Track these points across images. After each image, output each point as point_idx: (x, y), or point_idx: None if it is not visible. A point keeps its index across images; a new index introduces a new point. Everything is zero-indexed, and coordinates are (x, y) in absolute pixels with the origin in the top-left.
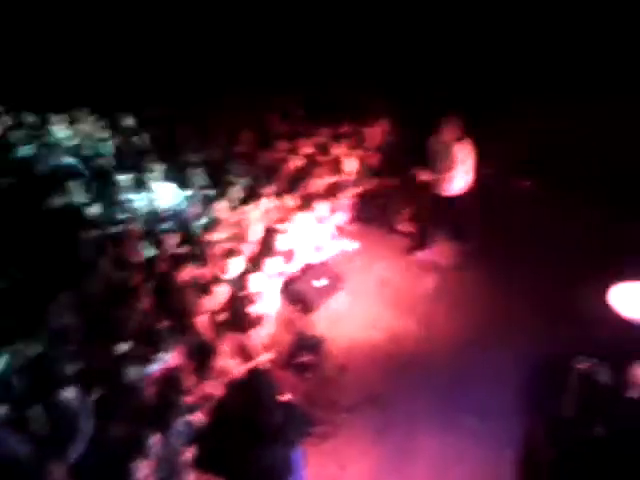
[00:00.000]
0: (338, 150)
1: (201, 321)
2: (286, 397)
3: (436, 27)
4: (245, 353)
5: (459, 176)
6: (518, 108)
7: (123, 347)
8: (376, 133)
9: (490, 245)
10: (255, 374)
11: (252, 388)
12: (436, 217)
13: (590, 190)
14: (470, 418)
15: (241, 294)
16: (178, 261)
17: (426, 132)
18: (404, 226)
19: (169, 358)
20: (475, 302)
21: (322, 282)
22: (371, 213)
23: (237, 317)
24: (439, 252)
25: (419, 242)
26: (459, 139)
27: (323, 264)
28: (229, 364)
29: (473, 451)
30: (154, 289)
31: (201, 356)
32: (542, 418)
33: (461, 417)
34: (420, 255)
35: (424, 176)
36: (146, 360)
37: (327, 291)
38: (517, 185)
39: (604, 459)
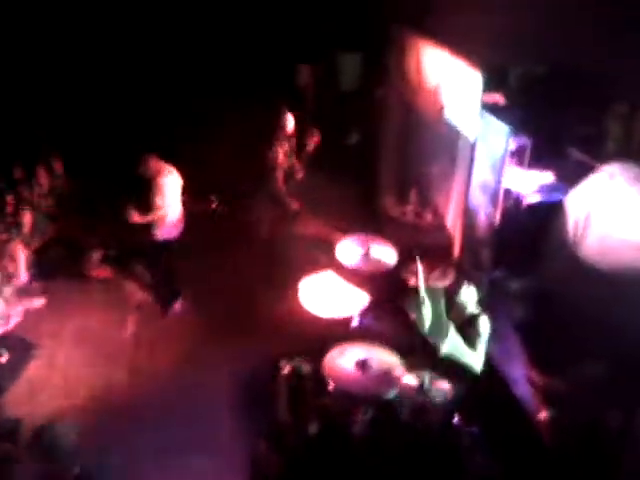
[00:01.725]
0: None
1: None
2: None
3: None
4: None
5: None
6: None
7: None
8: (46, 175)
9: (195, 277)
10: None
11: None
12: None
13: None
14: (197, 456)
15: None
16: None
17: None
18: (98, 272)
19: None
20: (182, 337)
21: (7, 355)
22: (58, 264)
23: None
24: (143, 294)
25: (122, 287)
26: (157, 173)
27: (6, 334)
28: None
29: None
30: None
31: None
32: (263, 430)
33: (188, 458)
34: (122, 300)
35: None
36: None
37: (17, 364)
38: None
39: (322, 454)
